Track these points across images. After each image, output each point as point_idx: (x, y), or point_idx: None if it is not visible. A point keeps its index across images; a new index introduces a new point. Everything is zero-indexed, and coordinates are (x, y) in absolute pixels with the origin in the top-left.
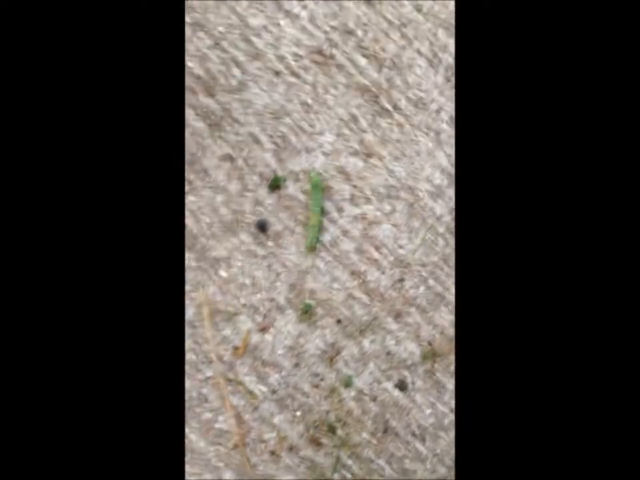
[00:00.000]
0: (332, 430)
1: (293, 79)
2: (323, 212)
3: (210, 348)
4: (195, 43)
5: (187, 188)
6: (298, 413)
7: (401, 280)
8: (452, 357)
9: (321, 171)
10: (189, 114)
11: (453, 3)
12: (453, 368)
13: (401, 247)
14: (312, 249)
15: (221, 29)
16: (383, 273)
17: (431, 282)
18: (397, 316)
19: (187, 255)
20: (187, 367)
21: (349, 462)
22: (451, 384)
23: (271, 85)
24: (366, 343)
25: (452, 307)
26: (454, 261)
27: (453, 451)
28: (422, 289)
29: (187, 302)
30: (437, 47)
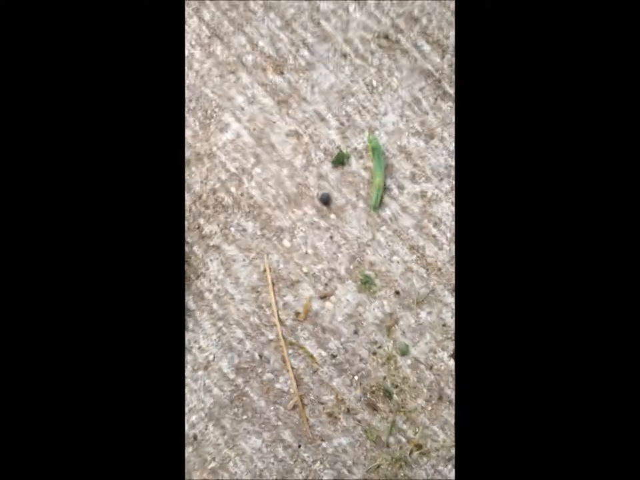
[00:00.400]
0: (388, 395)
1: (359, 61)
2: (385, 174)
3: (273, 312)
4: (266, 23)
5: (253, 161)
6: (356, 378)
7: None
8: None
9: (375, 134)
10: (258, 90)
11: None
12: None
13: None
14: (377, 207)
15: (292, 10)
16: (441, 248)
17: None
18: (453, 290)
19: (252, 224)
20: (249, 330)
21: (404, 427)
22: None
23: (338, 66)
24: (423, 314)
25: None
26: None
27: None
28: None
29: (250, 268)
30: None
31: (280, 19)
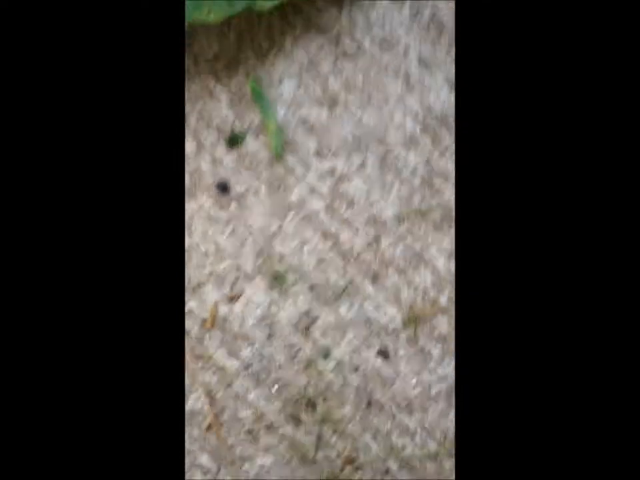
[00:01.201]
0: (312, 405)
1: (244, 25)
2: (275, 117)
3: None
4: None
5: None
6: (275, 388)
7: (376, 239)
8: (435, 321)
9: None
10: None
11: None
12: (437, 333)
13: (373, 202)
14: (280, 155)
15: None
16: (356, 233)
17: (409, 240)
18: (375, 278)
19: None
20: None
21: (333, 439)
22: (436, 350)
23: (222, 33)
24: (343, 309)
25: (432, 267)
26: (432, 216)
27: (443, 424)
28: (399, 248)
29: None
30: None
31: None
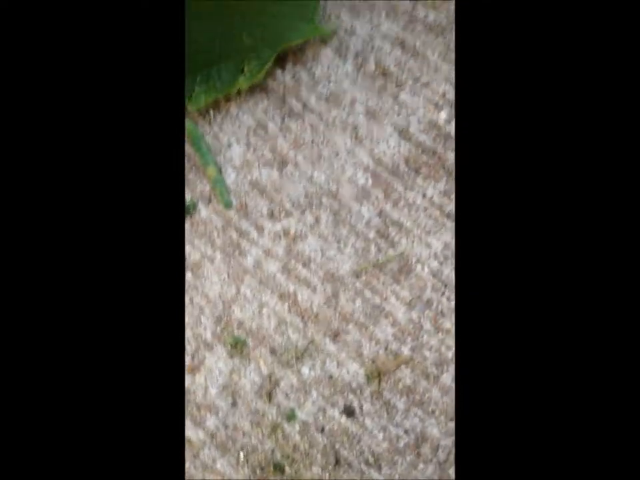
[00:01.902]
0: (280, 469)
1: None
2: (215, 162)
3: None
4: None
5: None
6: (241, 455)
7: (335, 295)
8: (399, 373)
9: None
10: None
11: None
12: (401, 385)
13: (330, 259)
14: (228, 204)
15: None
16: (314, 291)
17: (368, 293)
18: (335, 336)
19: None
20: None
21: None
22: (401, 403)
23: None
24: (305, 369)
25: (392, 318)
26: (389, 266)
27: (412, 475)
28: (358, 302)
29: None
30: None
31: None
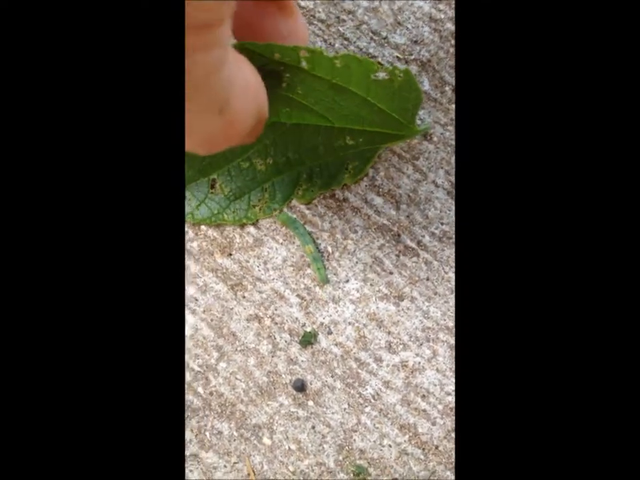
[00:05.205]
0: None
1: (308, 227)
2: (314, 241)
3: None
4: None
5: (216, 355)
6: None
7: (454, 429)
8: None
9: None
10: (209, 276)
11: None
12: None
13: (448, 393)
14: (325, 280)
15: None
16: (434, 423)
17: None
18: (454, 467)
19: (227, 425)
20: None
21: None
22: None
23: (288, 237)
24: None
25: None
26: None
27: None
28: None
29: (233, 474)
30: (454, 177)
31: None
